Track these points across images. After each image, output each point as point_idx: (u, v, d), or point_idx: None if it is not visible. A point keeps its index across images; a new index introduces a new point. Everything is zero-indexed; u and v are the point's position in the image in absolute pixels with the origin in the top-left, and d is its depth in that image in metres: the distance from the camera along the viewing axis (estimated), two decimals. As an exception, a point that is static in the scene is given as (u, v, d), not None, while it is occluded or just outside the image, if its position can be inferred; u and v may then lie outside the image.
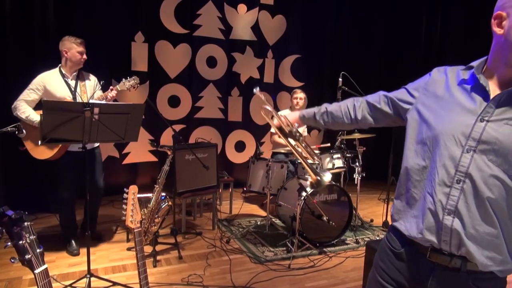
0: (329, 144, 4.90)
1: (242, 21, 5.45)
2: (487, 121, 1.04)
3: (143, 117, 2.89)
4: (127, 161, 5.03)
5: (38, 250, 1.32)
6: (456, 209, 1.05)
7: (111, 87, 3.31)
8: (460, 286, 1.10)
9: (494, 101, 1.04)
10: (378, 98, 1.39)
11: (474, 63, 1.13)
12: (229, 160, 5.69)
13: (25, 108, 3.07)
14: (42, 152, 3.10)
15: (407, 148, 1.22)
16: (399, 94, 1.32)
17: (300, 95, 4.68)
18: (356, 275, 3.09)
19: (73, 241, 3.33)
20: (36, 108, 3.14)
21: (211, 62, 5.38)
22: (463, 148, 1.05)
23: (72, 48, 3.15)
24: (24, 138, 3.06)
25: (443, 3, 5.95)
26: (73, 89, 3.20)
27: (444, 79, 1.19)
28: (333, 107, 1.52)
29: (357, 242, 3.75)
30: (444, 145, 1.09)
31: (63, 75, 3.20)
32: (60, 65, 3.22)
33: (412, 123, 1.22)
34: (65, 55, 3.15)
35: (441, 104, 1.15)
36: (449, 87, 1.15)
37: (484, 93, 1.07)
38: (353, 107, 1.45)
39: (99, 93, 3.33)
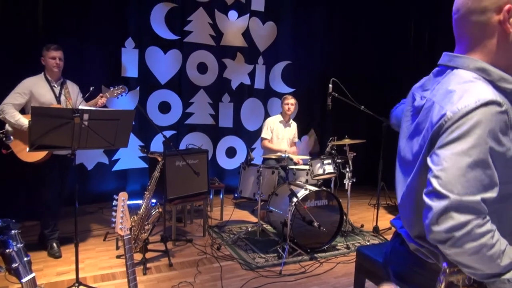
0: (318, 149, 4.93)
1: (233, 27, 5.47)
2: None
3: (133, 123, 2.88)
4: (117, 167, 4.99)
5: (25, 259, 1.30)
6: None
7: (100, 94, 3.47)
8: None
9: None
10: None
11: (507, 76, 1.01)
12: (220, 166, 5.68)
13: (13, 111, 3.12)
14: (31, 155, 3.09)
15: None
16: None
17: (291, 100, 4.75)
18: (347, 280, 3.10)
19: (54, 244, 3.36)
20: (20, 112, 3.18)
21: (202, 68, 5.38)
22: None
23: (45, 55, 3.28)
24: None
25: (430, 11, 6.04)
26: (57, 95, 3.31)
27: None
28: None
29: (347, 247, 3.76)
30: None
31: (48, 81, 3.30)
32: (43, 72, 3.33)
33: None
34: (42, 62, 3.29)
35: None
36: None
37: None
38: None
39: (80, 99, 3.48)
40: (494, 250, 0.90)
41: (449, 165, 0.90)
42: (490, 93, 0.91)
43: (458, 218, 0.88)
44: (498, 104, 0.89)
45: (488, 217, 0.91)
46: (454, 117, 0.91)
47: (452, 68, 1.06)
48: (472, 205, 0.88)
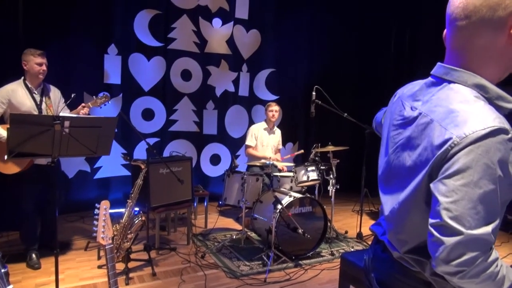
0: (302, 151, 4.96)
1: (217, 35, 5.49)
2: None
3: (116, 130, 2.84)
4: (98, 175, 4.90)
5: (2, 270, 1.27)
6: None
7: (82, 104, 3.35)
8: None
9: None
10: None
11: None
12: (204, 173, 5.66)
13: None
14: (9, 167, 3.00)
15: None
16: None
17: (275, 107, 4.77)
18: (331, 287, 3.11)
19: (33, 255, 3.27)
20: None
21: (186, 75, 5.37)
22: None
23: (30, 60, 3.15)
24: None
25: (410, 20, 6.18)
26: (38, 103, 3.19)
27: None
28: None
29: (332, 254, 3.78)
30: None
31: (28, 88, 3.18)
32: (23, 77, 3.20)
33: None
34: (25, 67, 3.16)
35: None
36: None
37: None
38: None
39: (62, 105, 3.38)
40: (499, 276, 0.91)
41: (460, 197, 0.87)
42: (496, 119, 0.89)
43: (470, 253, 0.87)
44: (506, 131, 0.88)
45: (493, 246, 0.92)
46: (461, 143, 0.88)
47: (449, 81, 1.02)
48: (483, 238, 0.88)
